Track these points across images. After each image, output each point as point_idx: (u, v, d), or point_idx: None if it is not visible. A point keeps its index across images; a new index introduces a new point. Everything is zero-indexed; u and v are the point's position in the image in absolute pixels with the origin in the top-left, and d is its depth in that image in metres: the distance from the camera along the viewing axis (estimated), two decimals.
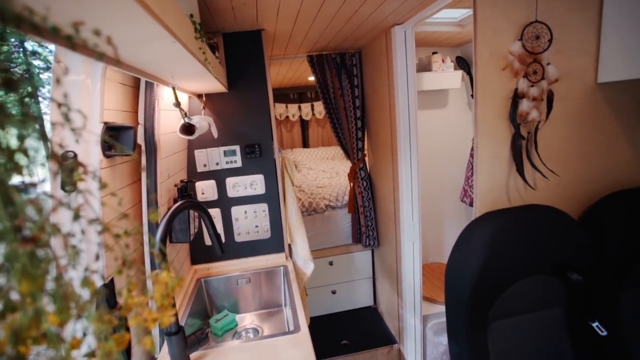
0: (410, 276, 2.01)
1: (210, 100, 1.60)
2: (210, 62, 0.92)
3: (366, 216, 2.46)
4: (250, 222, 1.71)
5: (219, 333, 1.41)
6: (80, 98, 0.82)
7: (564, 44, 1.22)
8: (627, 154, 1.34)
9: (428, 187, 2.55)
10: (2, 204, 0.24)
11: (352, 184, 2.49)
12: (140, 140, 1.09)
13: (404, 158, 1.88)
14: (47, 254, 0.27)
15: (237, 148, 1.65)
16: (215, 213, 1.67)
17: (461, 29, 2.09)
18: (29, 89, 0.28)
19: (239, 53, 1.60)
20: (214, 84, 1.26)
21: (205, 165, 1.64)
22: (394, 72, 1.79)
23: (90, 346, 0.30)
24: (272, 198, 1.72)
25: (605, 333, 1.14)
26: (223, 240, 1.68)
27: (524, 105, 1.20)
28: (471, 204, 2.26)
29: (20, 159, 0.26)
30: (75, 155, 0.78)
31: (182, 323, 1.25)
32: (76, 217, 0.32)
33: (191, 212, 1.37)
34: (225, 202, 1.69)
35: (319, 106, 4.73)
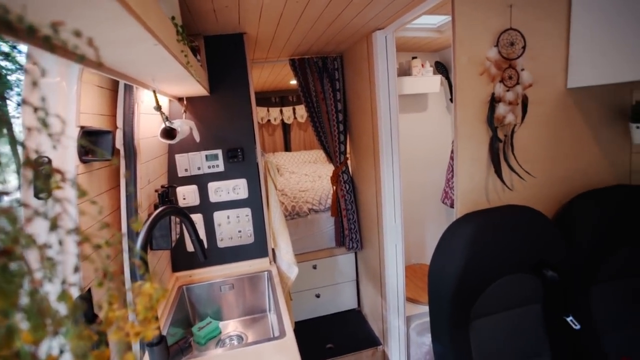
0: (393, 278, 2.03)
1: (191, 103, 1.57)
2: (192, 65, 0.91)
3: (349, 219, 2.48)
4: (233, 227, 1.69)
5: (202, 341, 1.37)
6: (55, 101, 0.78)
7: (537, 51, 1.27)
8: (595, 155, 1.41)
9: (409, 192, 2.59)
10: None
11: (334, 187, 2.50)
12: (119, 144, 1.06)
13: (386, 160, 1.90)
14: (21, 267, 0.26)
15: (219, 152, 1.63)
16: (197, 218, 1.64)
17: (440, 34, 2.14)
18: None
19: (220, 56, 1.58)
20: (196, 88, 1.24)
21: (186, 170, 1.61)
22: (376, 76, 1.81)
23: None
24: (255, 202, 1.70)
25: (578, 327, 1.20)
26: (205, 246, 1.65)
27: (501, 109, 1.25)
28: (452, 206, 2.31)
29: None
30: (50, 161, 0.74)
31: (163, 332, 1.22)
32: (53, 227, 0.31)
33: (172, 218, 1.34)
34: (207, 207, 1.66)
35: (301, 110, 4.73)
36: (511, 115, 1.25)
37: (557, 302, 1.25)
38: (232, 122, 1.63)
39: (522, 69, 1.26)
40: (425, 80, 2.40)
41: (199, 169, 1.62)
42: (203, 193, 1.64)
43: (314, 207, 2.68)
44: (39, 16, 0.37)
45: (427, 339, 2.04)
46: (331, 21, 1.52)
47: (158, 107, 1.03)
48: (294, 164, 4.36)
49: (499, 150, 1.29)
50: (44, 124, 0.34)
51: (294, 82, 3.04)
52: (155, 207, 1.32)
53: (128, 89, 1.05)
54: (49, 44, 0.35)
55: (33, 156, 0.33)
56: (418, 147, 2.62)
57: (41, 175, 0.34)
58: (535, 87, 1.28)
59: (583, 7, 1.23)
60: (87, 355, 0.29)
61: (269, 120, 4.71)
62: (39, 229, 0.30)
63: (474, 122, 1.27)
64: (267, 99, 4.63)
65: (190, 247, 1.62)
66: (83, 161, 0.88)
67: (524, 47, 1.24)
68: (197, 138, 1.50)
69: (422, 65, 2.39)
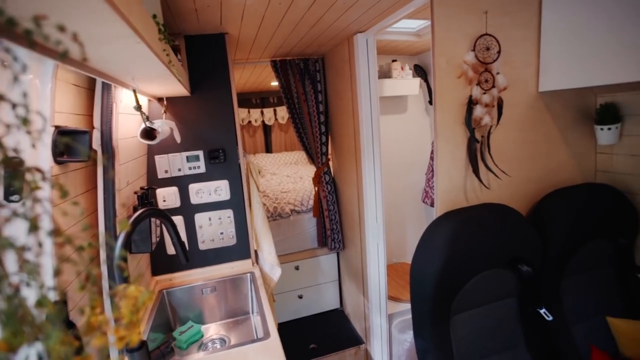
0: (375, 277, 2.06)
1: (171, 104, 1.54)
2: (174, 64, 0.89)
3: (331, 219, 2.49)
4: (215, 228, 1.67)
5: (184, 346, 1.35)
6: (28, 99, 0.75)
7: (511, 56, 1.33)
8: (565, 155, 1.49)
9: (389, 192, 2.62)
10: None
11: (316, 188, 2.51)
12: (97, 145, 1.02)
13: (367, 161, 1.93)
14: None
15: (200, 153, 1.60)
16: (178, 221, 1.60)
17: (419, 38, 2.20)
18: None
19: (202, 56, 1.56)
20: (177, 87, 1.21)
21: (166, 172, 1.58)
22: (357, 78, 1.84)
23: None
24: (237, 204, 1.68)
25: (551, 318, 1.26)
26: (187, 249, 1.62)
27: (478, 111, 1.29)
28: (432, 205, 2.37)
29: None
30: (22, 161, 0.71)
31: (144, 337, 1.18)
32: (33, 228, 0.30)
33: (152, 220, 1.30)
34: (188, 209, 1.63)
35: (282, 111, 4.72)
36: (488, 117, 1.30)
37: (531, 295, 1.31)
38: (213, 123, 1.61)
39: (498, 73, 1.31)
40: (404, 83, 2.45)
41: (179, 170, 1.59)
42: (184, 195, 1.61)
43: (296, 208, 2.67)
44: (18, 10, 0.36)
45: (409, 336, 2.08)
46: (313, 23, 1.53)
47: (138, 107, 1.01)
48: (275, 165, 4.34)
49: (476, 151, 1.33)
50: (25, 121, 0.33)
51: (275, 83, 3.03)
52: (135, 210, 1.29)
53: (106, 88, 1.02)
54: (29, 40, 0.34)
55: (10, 155, 0.32)
56: (398, 147, 2.67)
57: (19, 175, 0.33)
58: (510, 90, 1.34)
59: (552, 17, 1.31)
60: None
61: (249, 122, 4.67)
62: (16, 231, 0.29)
63: (453, 124, 1.31)
64: (248, 100, 4.59)
65: (170, 250, 1.59)
66: (58, 162, 0.84)
67: (499, 52, 1.30)
68: (178, 139, 1.47)
69: (402, 68, 2.44)
